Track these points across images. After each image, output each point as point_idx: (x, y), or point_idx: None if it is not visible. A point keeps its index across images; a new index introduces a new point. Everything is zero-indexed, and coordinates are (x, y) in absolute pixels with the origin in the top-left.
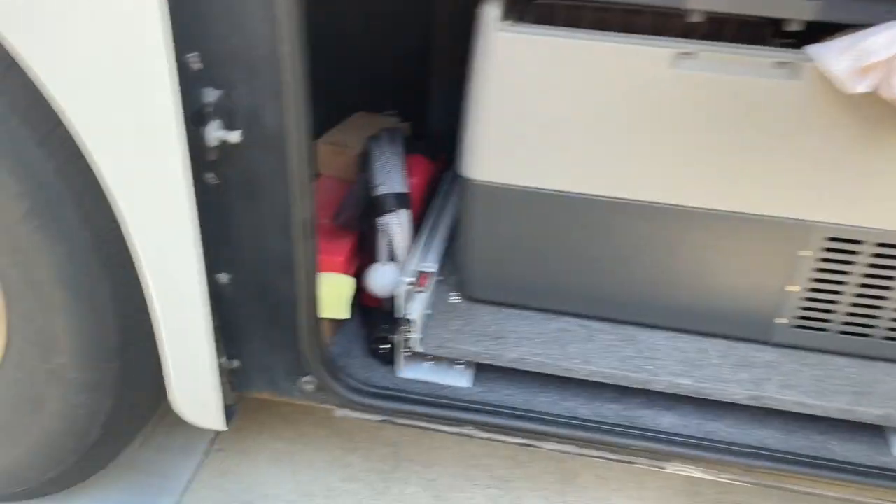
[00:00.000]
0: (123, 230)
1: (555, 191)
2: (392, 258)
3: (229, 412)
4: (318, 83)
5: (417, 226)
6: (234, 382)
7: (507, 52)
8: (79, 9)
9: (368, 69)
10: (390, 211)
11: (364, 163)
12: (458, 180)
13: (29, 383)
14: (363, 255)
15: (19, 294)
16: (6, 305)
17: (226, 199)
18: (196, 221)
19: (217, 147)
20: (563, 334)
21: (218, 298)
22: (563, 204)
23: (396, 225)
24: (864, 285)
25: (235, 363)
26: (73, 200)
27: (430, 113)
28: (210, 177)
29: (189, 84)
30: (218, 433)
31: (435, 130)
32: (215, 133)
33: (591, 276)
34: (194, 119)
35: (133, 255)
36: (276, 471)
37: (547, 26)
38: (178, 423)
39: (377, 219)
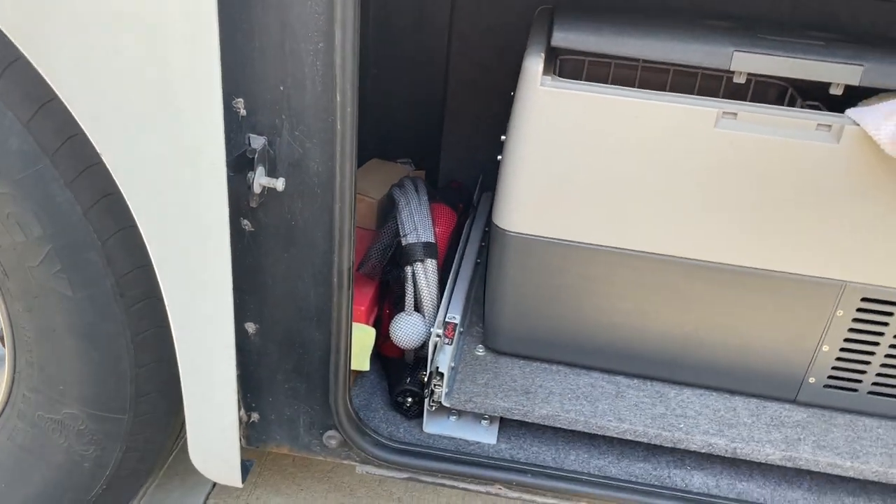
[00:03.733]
0: (157, 277)
1: (588, 244)
2: (417, 308)
3: (245, 467)
4: None
5: (441, 275)
6: (252, 436)
7: (549, 106)
8: (124, 49)
9: (381, 117)
10: (418, 260)
11: (389, 210)
12: (492, 231)
13: (31, 434)
14: (383, 305)
15: (30, 341)
16: (12, 352)
17: (260, 247)
18: (230, 269)
19: (258, 194)
20: (592, 390)
21: (242, 349)
22: (597, 258)
23: (423, 275)
24: (895, 346)
25: (255, 416)
26: (97, 245)
27: (444, 162)
28: (246, 224)
29: (233, 130)
30: (213, 487)
31: (451, 181)
32: (260, 180)
33: (621, 332)
34: (236, 165)
35: (162, 302)
36: None
37: (589, 83)
38: (174, 476)
39: (404, 268)
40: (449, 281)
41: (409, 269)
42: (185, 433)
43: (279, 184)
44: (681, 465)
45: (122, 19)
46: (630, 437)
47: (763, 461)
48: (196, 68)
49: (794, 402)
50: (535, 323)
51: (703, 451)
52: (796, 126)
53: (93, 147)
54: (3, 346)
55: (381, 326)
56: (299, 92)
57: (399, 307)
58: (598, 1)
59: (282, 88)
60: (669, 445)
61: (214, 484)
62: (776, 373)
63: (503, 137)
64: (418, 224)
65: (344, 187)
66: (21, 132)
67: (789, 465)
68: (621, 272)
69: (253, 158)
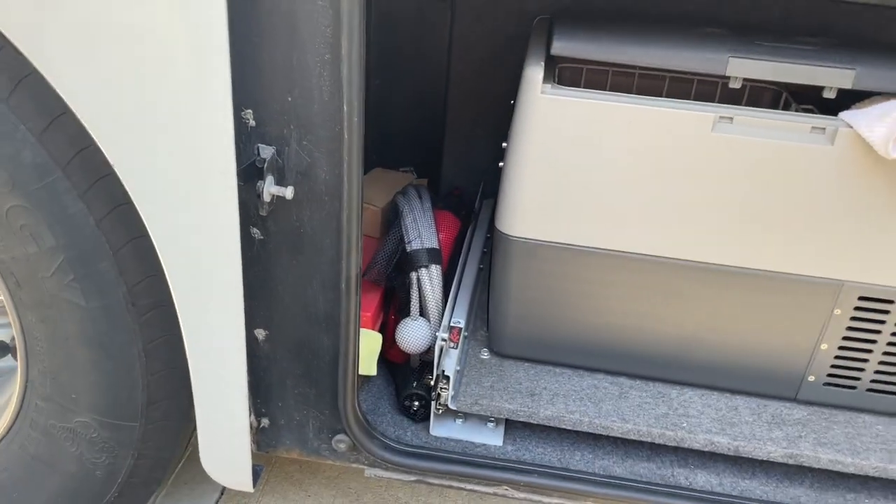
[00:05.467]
0: (169, 285)
1: (590, 247)
2: (422, 313)
3: (256, 472)
4: None
5: (445, 281)
6: (262, 442)
7: (550, 113)
8: (136, 62)
9: (383, 126)
10: (423, 266)
11: (393, 218)
12: (494, 236)
13: (44, 443)
14: (388, 310)
15: (43, 351)
16: (24, 361)
17: (269, 255)
18: (241, 276)
19: (267, 203)
20: (596, 391)
21: (252, 355)
22: (598, 261)
23: (428, 280)
24: (893, 344)
25: (265, 421)
26: (109, 255)
27: (445, 170)
28: (255, 232)
29: (242, 140)
30: (222, 494)
31: (453, 188)
32: (270, 189)
33: (623, 334)
34: (245, 175)
35: (172, 310)
36: None
37: (587, 90)
38: (183, 484)
39: (409, 273)
40: (453, 286)
41: (413, 274)
42: (194, 440)
43: (288, 192)
44: (684, 463)
45: (134, 32)
46: (634, 437)
47: (765, 459)
48: (206, 81)
49: (794, 400)
50: (539, 326)
51: (706, 449)
52: (791, 129)
53: (105, 158)
54: (15, 357)
55: (387, 332)
56: (307, 103)
57: (404, 313)
58: (595, 10)
59: (290, 99)
60: (673, 444)
61: (223, 492)
62: (776, 372)
63: (504, 145)
64: (422, 230)
65: (352, 195)
66: (34, 145)
67: (791, 462)
68: (622, 275)
69: (262, 168)
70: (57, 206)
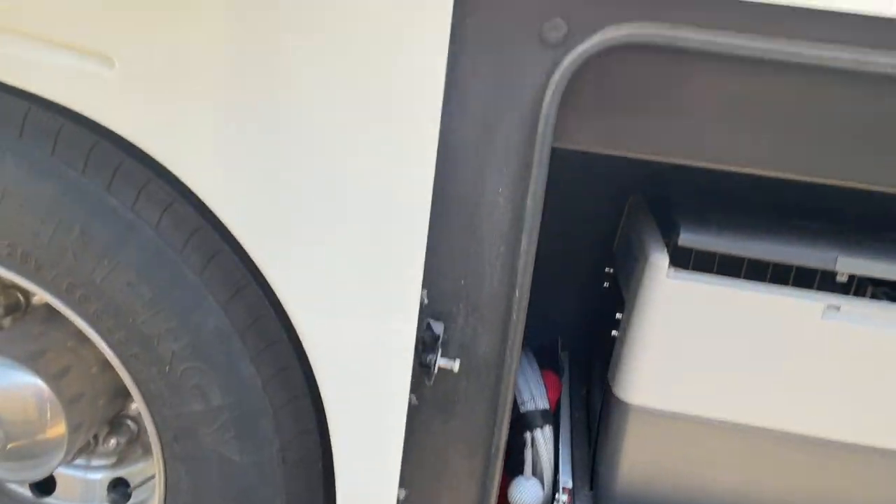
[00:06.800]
0: (332, 444)
1: (706, 418)
2: (534, 472)
3: None
4: None
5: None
6: None
7: (674, 296)
8: (337, 251)
9: None
10: (538, 427)
11: None
12: (609, 401)
13: None
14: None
15: (185, 501)
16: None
17: (421, 420)
18: (402, 443)
19: (436, 374)
20: None
21: None
22: (712, 430)
23: (542, 441)
24: None
25: None
26: (269, 415)
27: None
28: (412, 398)
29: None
30: None
31: (541, 344)
32: (440, 362)
33: (731, 500)
34: (416, 349)
35: (318, 465)
36: None
37: (709, 274)
38: None
39: (524, 434)
40: (562, 447)
41: (528, 434)
42: None
43: (455, 365)
44: None
45: (338, 227)
46: None
47: None
48: (402, 266)
49: None
50: (649, 489)
51: None
52: (891, 320)
53: (277, 325)
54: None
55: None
56: (479, 285)
57: (515, 471)
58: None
59: (462, 283)
60: None
61: None
62: None
63: (618, 315)
64: (535, 392)
65: (511, 368)
66: (218, 312)
67: None
68: (737, 444)
69: (435, 342)
70: (230, 367)
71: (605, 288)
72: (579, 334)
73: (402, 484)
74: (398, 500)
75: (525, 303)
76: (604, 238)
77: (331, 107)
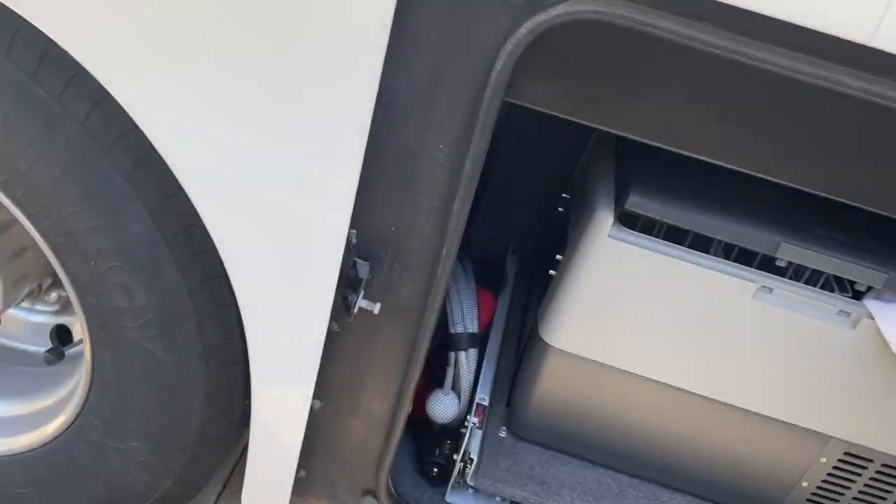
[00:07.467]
0: (249, 355)
1: (622, 370)
2: (453, 388)
3: None
4: None
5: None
6: (297, 488)
7: (613, 254)
8: (266, 175)
9: None
10: (462, 350)
11: None
12: (533, 339)
13: (93, 454)
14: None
15: (110, 382)
16: (87, 385)
17: (340, 344)
18: (319, 359)
19: (356, 314)
20: (598, 486)
21: (308, 420)
22: (626, 381)
23: (465, 363)
24: (863, 492)
25: (302, 472)
26: (193, 320)
27: (476, 230)
28: (333, 325)
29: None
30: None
31: (487, 256)
32: (360, 303)
33: (632, 439)
34: (340, 284)
35: (241, 369)
36: None
37: (652, 238)
38: None
39: (449, 353)
40: (484, 367)
41: (453, 354)
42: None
43: (376, 308)
44: None
45: (269, 153)
46: None
47: None
48: (332, 206)
49: None
50: (558, 420)
51: None
52: (821, 308)
53: (207, 235)
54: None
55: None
56: (408, 236)
57: (435, 383)
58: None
59: (393, 229)
60: None
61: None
62: (759, 496)
63: (558, 256)
64: (466, 314)
65: (430, 318)
66: (145, 217)
67: None
68: (645, 396)
69: (360, 283)
70: (157, 272)
71: (560, 212)
72: (532, 241)
73: (317, 396)
74: (312, 409)
75: (451, 262)
76: (574, 156)
77: (273, 39)
